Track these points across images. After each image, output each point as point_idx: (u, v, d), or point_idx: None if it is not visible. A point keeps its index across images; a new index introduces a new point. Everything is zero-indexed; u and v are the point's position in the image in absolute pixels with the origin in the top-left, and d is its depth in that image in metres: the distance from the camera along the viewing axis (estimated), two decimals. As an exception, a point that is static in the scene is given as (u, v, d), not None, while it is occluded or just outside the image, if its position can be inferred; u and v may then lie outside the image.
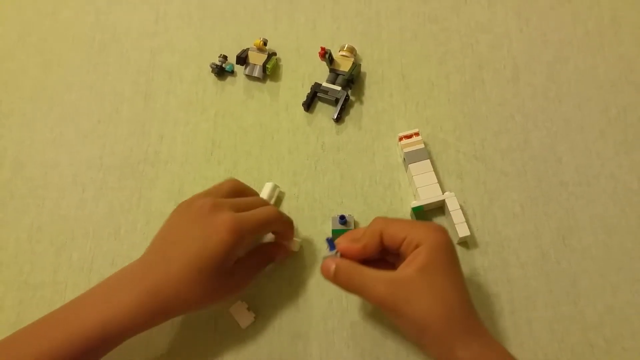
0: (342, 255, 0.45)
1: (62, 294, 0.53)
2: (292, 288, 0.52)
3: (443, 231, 0.43)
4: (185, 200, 0.47)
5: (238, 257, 0.46)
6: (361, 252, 0.44)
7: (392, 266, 0.43)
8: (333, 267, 0.44)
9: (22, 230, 0.57)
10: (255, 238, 0.52)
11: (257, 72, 0.61)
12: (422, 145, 0.55)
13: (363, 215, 0.55)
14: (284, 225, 0.50)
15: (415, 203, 0.53)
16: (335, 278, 0.44)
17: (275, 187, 0.55)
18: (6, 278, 0.55)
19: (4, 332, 0.41)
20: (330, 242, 0.46)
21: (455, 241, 0.53)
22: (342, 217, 0.53)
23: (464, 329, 0.40)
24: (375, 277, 0.42)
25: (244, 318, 0.50)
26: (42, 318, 0.42)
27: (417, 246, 0.42)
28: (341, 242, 0.45)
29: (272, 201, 0.55)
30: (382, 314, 0.48)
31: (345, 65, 0.60)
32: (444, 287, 0.41)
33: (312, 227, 0.55)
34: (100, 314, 0.41)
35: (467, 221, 0.52)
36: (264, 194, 0.54)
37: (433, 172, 0.54)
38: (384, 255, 0.46)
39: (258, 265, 0.50)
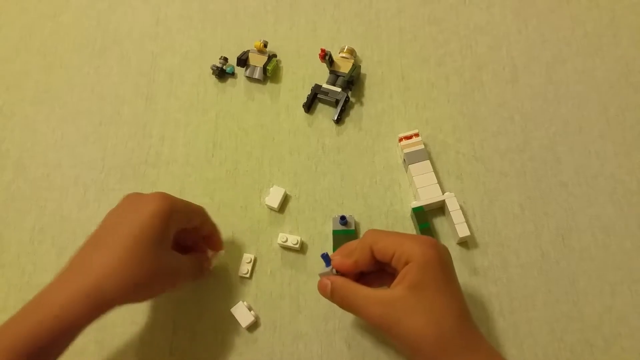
0: (337, 271, 0.44)
1: (64, 295, 0.54)
2: (293, 288, 0.52)
3: (433, 245, 0.42)
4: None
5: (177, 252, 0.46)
6: (353, 267, 0.44)
7: (392, 277, 0.43)
8: (330, 285, 0.44)
9: (25, 232, 0.57)
10: (187, 220, 0.48)
11: (257, 74, 0.62)
12: (422, 146, 0.56)
13: (363, 216, 0.55)
14: (211, 225, 0.50)
15: (416, 203, 0.53)
16: (332, 297, 0.44)
17: (284, 192, 0.56)
18: (9, 279, 0.55)
19: (7, 332, 0.41)
20: (326, 258, 0.45)
21: (455, 241, 0.53)
22: (342, 218, 0.53)
23: (460, 345, 0.39)
24: (368, 296, 0.41)
25: (245, 318, 0.51)
26: None
27: (406, 262, 0.41)
28: (335, 257, 0.45)
29: (279, 204, 0.55)
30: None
31: (345, 67, 0.61)
32: (436, 305, 0.40)
33: (313, 227, 0.55)
34: (30, 318, 0.39)
35: (467, 221, 0.52)
36: (274, 197, 0.55)
37: (433, 173, 0.55)
38: (382, 267, 0.45)
39: (194, 268, 0.49)
